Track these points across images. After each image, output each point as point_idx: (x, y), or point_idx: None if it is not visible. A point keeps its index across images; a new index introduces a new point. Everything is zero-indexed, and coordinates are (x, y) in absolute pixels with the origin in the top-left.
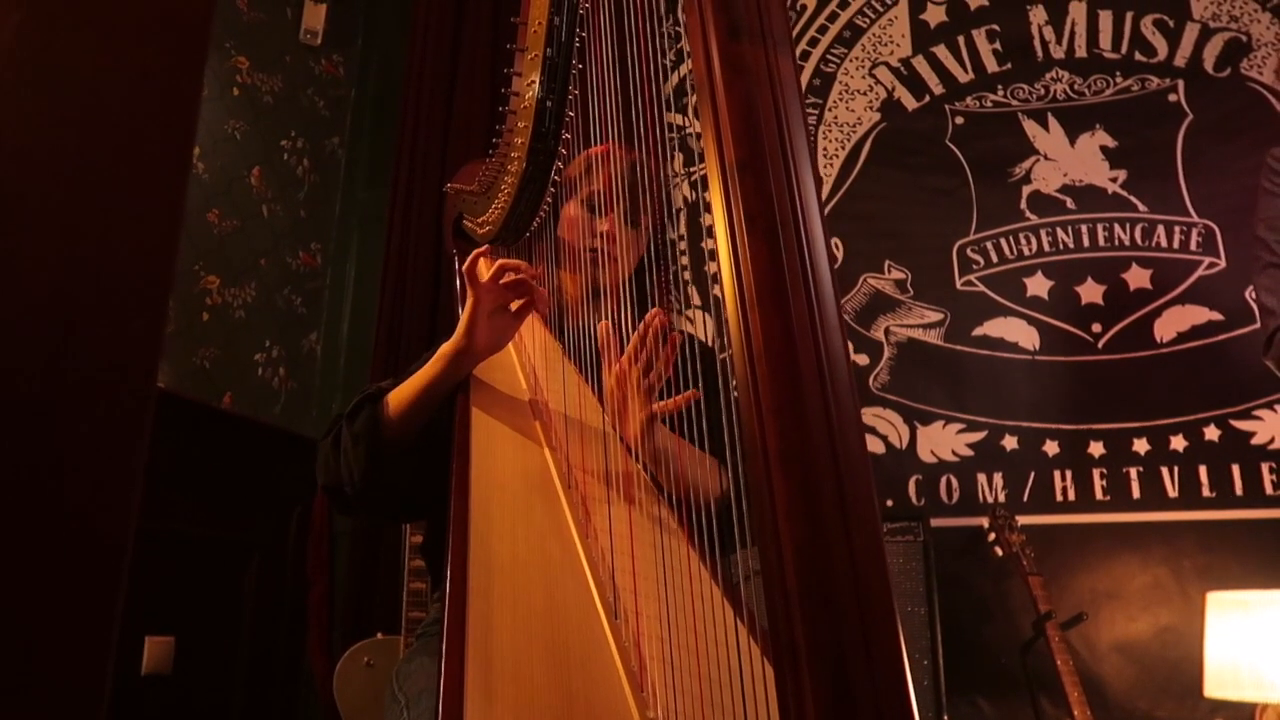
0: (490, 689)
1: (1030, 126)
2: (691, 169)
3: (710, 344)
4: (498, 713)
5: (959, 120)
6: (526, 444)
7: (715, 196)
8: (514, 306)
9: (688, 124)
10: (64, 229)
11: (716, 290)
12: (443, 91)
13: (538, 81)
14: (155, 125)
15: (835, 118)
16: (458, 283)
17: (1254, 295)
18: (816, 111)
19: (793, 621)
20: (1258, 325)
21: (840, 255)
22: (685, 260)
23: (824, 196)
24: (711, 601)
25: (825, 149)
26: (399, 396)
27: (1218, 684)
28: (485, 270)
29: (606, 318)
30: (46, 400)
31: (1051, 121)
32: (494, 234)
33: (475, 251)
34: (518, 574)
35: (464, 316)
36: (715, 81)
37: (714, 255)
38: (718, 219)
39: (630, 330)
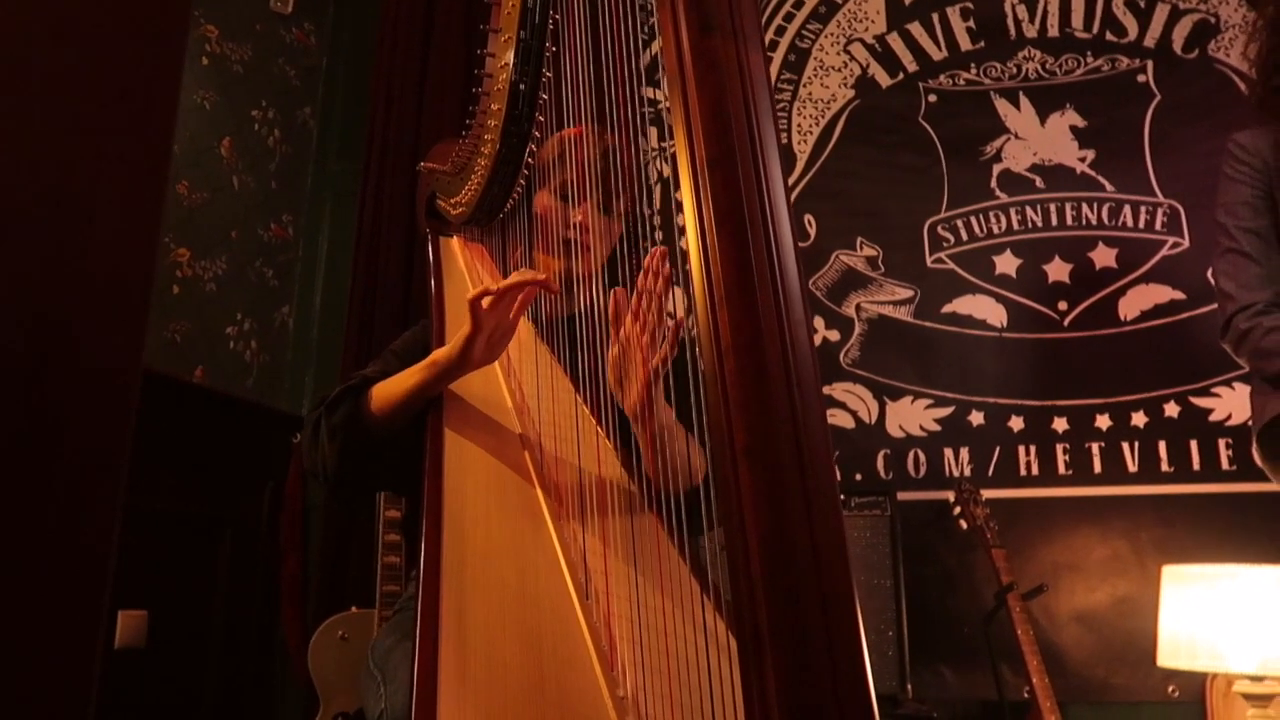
0: (464, 670)
1: (1002, 105)
2: (665, 144)
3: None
4: (471, 693)
5: (932, 98)
6: (500, 428)
7: (686, 194)
8: (511, 315)
9: (662, 99)
10: (46, 218)
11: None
12: (416, 61)
13: (511, 64)
14: (135, 117)
15: (810, 94)
16: (430, 261)
17: (1213, 279)
18: (791, 87)
19: (757, 610)
20: (1217, 305)
21: (813, 232)
22: (659, 236)
23: (797, 173)
24: (680, 581)
25: (799, 125)
26: (382, 396)
27: (1171, 654)
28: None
29: (579, 301)
30: (33, 385)
31: (1023, 100)
32: (467, 215)
33: (479, 291)
34: (491, 557)
35: (461, 338)
36: (687, 77)
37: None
38: (688, 216)
39: (605, 306)
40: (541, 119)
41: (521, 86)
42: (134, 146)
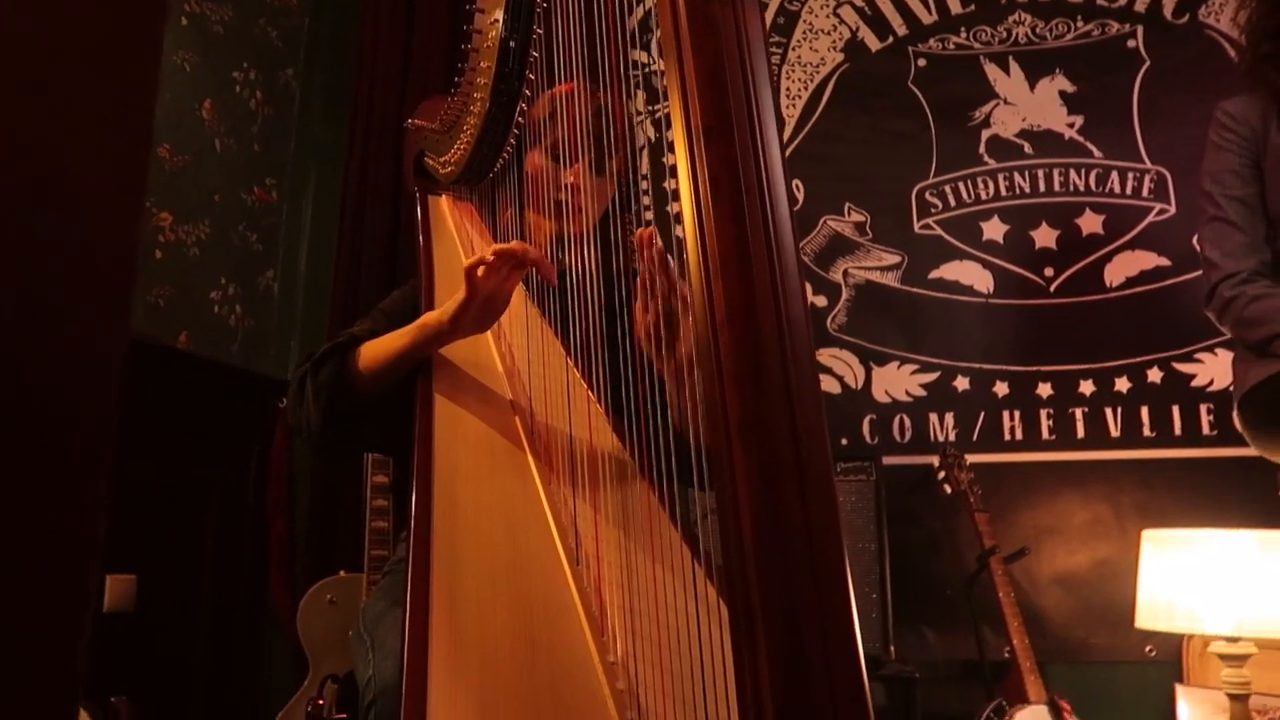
0: (455, 639)
1: (991, 70)
2: (654, 107)
3: None
4: (461, 660)
5: (921, 62)
6: (490, 392)
7: (681, 163)
8: (508, 284)
9: (652, 61)
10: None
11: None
12: (401, 20)
13: (501, 20)
14: (115, 85)
15: (799, 57)
16: (419, 220)
17: (1199, 246)
18: (780, 51)
19: (749, 586)
20: (1202, 273)
21: (801, 197)
22: (648, 200)
23: (785, 137)
24: (671, 546)
25: (788, 89)
26: (370, 356)
27: (1149, 616)
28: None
29: (571, 263)
30: (17, 355)
31: (1013, 65)
32: (456, 174)
33: (475, 260)
34: (481, 522)
35: (454, 305)
36: (684, 43)
37: (676, 196)
38: (683, 186)
39: (599, 274)
40: (532, 77)
41: (512, 44)
42: (115, 108)
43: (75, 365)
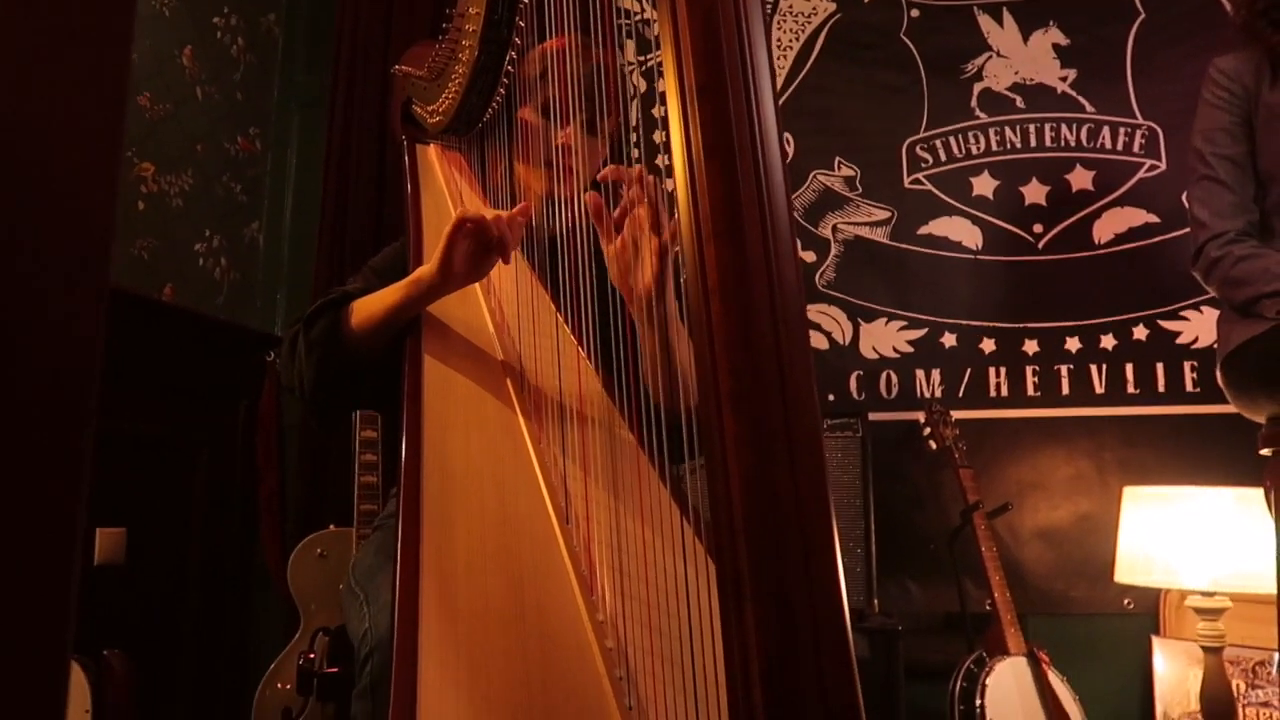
0: (445, 595)
1: (985, 21)
2: (645, 57)
3: None
4: (452, 619)
5: (914, 13)
6: (480, 350)
7: (674, 123)
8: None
9: (642, 10)
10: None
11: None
12: None
13: None
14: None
15: (790, 6)
16: (406, 170)
17: (1187, 204)
18: (771, 0)
19: (738, 553)
20: (1190, 232)
21: (791, 150)
22: (638, 153)
23: (776, 89)
24: (660, 505)
25: (779, 39)
26: (363, 313)
27: (1128, 570)
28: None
29: (562, 222)
30: None
31: (1006, 16)
32: (445, 124)
33: (459, 220)
34: (471, 481)
35: (439, 253)
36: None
37: (668, 148)
38: (675, 148)
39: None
40: (522, 24)
41: None
42: (89, 54)
43: (54, 319)
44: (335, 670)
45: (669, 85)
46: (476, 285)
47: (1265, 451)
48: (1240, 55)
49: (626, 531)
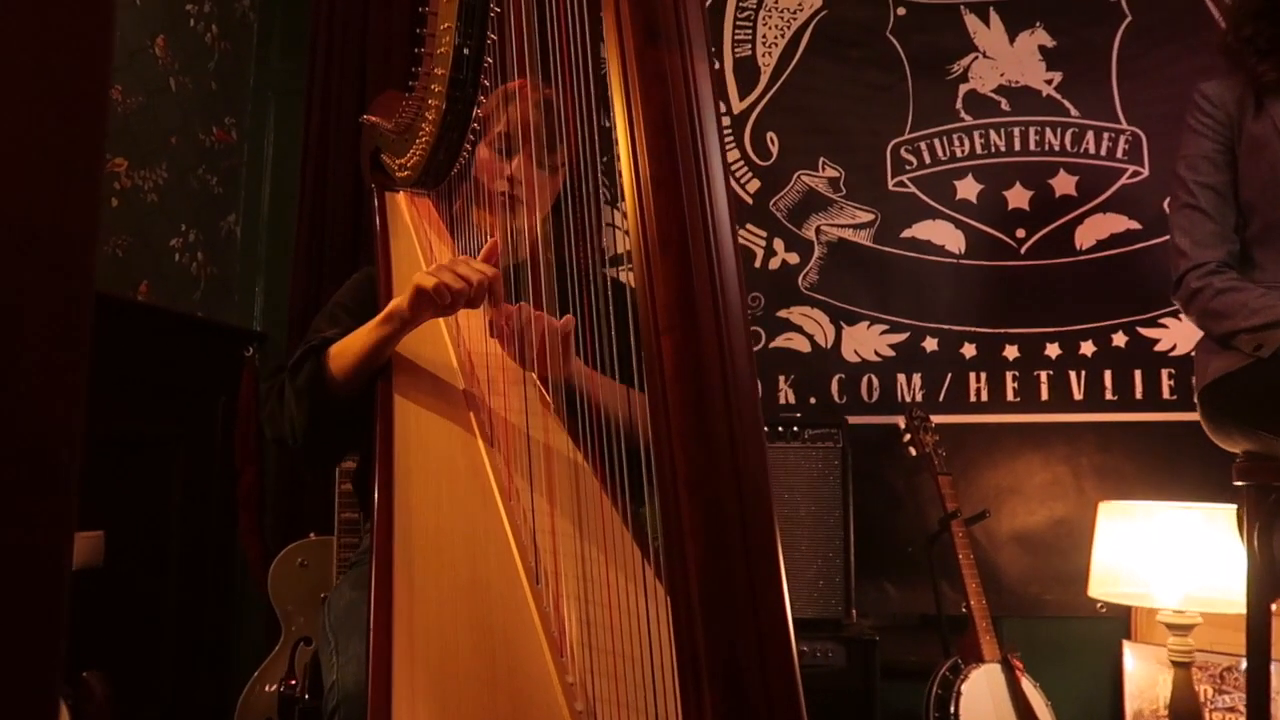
0: (416, 659)
1: (971, 21)
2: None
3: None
4: (424, 682)
5: (901, 11)
6: (450, 402)
7: (630, 215)
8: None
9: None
10: None
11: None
12: None
13: (454, 28)
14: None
15: (776, 2)
16: (376, 217)
17: (1170, 232)
18: None
19: (695, 634)
20: (1170, 261)
21: (775, 150)
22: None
23: (761, 87)
24: (623, 549)
25: (764, 36)
26: (341, 356)
27: (1101, 584)
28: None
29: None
30: None
31: (993, 17)
32: (414, 179)
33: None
34: (442, 543)
35: (410, 294)
36: (632, 90)
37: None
38: (632, 239)
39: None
40: (487, 83)
41: (465, 51)
42: (69, 46)
43: (40, 317)
44: (315, 704)
45: (625, 178)
46: (446, 335)
47: (1239, 483)
48: (1225, 82)
49: (593, 578)
